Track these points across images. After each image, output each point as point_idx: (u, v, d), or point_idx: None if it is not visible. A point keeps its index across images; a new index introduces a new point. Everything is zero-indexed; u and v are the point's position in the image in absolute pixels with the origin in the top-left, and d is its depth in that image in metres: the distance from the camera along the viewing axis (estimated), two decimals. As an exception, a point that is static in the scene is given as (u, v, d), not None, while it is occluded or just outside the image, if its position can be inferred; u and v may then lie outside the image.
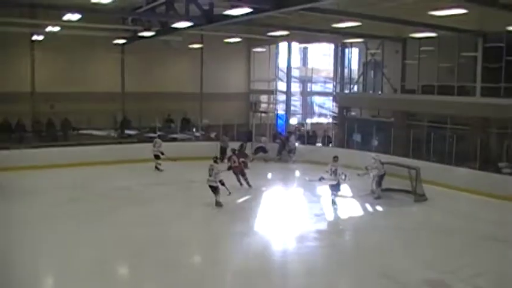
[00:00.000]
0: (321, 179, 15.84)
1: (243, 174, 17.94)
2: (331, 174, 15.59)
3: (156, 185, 18.50)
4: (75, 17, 16.70)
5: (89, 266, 10.44)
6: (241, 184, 17.86)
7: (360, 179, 17.19)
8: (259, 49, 31.57)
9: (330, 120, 31.51)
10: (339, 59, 28.61)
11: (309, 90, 33.76)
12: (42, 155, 20.85)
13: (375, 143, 23.23)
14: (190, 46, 28.23)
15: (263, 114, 30.94)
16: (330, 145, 25.51)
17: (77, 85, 25.29)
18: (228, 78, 30.65)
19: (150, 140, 22.21)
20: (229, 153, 19.22)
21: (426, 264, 11.16)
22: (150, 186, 18.26)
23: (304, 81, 33.55)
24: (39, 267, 10.70)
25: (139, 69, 27.71)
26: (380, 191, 17.03)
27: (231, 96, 30.84)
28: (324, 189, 16.96)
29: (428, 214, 15.73)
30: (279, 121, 30.58)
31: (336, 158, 15.87)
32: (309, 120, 32.79)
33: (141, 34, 21.20)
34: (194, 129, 27.16)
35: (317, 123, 32.34)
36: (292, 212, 15.38)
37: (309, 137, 26.05)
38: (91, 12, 17.45)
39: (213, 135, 25.42)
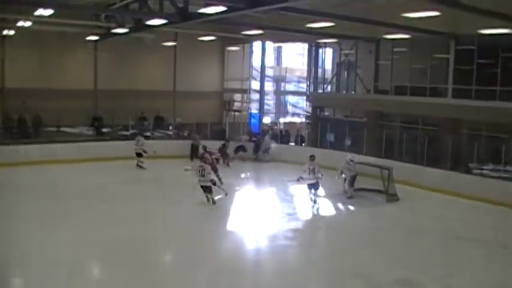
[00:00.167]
0: (300, 179, 15.79)
1: (215, 171, 17.88)
2: (309, 174, 15.56)
3: (129, 183, 18.27)
4: (47, 12, 16.44)
5: (59, 267, 10.14)
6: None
7: (332, 178, 17.17)
8: (233, 48, 31.53)
9: (303, 119, 31.70)
10: (313, 59, 28.76)
11: (282, 89, 33.97)
12: (13, 152, 20.35)
13: (348, 142, 23.32)
14: (164, 44, 28.10)
15: (237, 113, 30.90)
16: (303, 144, 25.64)
17: (49, 81, 25.01)
18: (201, 76, 30.47)
19: (123, 137, 21.97)
20: (201, 150, 19.15)
21: (398, 264, 11.25)
22: (124, 184, 18.05)
23: (278, 80, 33.71)
24: (4, 267, 10.31)
25: (113, 67, 27.52)
26: (352, 191, 17.11)
27: (205, 95, 30.75)
28: (297, 189, 17.00)
29: (400, 214, 15.81)
30: (253, 120, 30.58)
31: (312, 157, 15.84)
32: (282, 120, 33.00)
33: (114, 31, 21.03)
34: (170, 127, 26.99)
35: (290, 123, 32.53)
36: (264, 211, 15.36)
37: (282, 136, 26.04)
38: (64, 8, 17.22)
39: (185, 133, 25.28)
